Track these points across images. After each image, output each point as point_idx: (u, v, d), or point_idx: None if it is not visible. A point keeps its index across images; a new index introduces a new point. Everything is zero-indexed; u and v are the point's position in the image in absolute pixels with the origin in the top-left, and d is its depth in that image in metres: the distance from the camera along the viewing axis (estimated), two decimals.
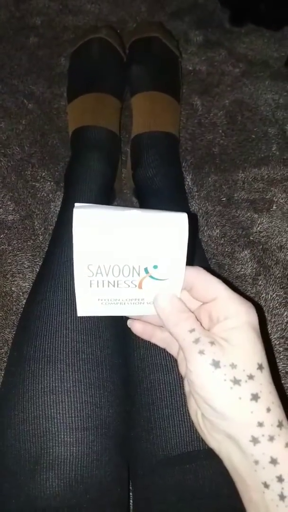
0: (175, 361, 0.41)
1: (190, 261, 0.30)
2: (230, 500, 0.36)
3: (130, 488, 0.42)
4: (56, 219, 0.59)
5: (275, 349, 0.55)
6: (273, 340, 0.55)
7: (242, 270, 0.60)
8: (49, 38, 0.79)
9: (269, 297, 0.58)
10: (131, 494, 0.42)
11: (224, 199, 0.65)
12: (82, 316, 0.44)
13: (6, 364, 0.45)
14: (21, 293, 0.57)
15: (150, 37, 0.67)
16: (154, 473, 0.38)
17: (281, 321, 0.56)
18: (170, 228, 0.28)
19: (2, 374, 0.51)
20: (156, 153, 0.60)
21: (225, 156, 0.68)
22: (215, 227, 0.63)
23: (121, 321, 0.48)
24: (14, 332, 0.53)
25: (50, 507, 0.35)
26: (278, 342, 0.55)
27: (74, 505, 0.35)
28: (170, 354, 0.42)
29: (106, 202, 0.60)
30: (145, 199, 0.59)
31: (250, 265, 0.60)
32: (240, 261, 0.60)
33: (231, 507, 0.36)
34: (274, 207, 0.64)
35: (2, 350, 0.53)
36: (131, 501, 0.42)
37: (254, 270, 0.59)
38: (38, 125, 0.70)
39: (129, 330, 0.47)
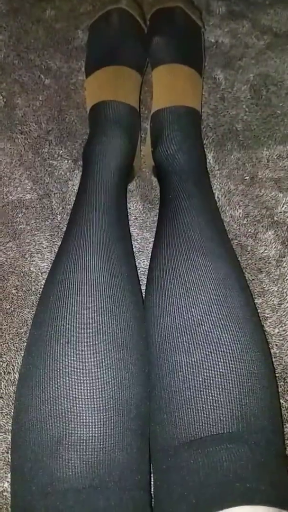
0: (198, 343, 0.41)
1: None
2: (253, 483, 0.36)
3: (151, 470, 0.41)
4: (74, 199, 0.58)
5: None
6: None
7: (266, 251, 0.58)
8: (66, 11, 0.76)
9: None
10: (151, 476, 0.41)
11: (247, 177, 0.63)
12: (103, 297, 0.43)
13: (26, 344, 0.44)
14: (39, 273, 0.56)
15: (172, 7, 0.64)
16: (176, 456, 0.38)
17: None
18: None
19: (22, 354, 0.51)
20: (178, 130, 0.57)
21: (248, 132, 0.66)
22: (237, 207, 0.61)
23: (142, 301, 0.48)
24: (33, 312, 0.53)
25: (72, 488, 0.35)
26: None
27: (97, 486, 0.35)
28: (192, 334, 0.41)
29: (125, 182, 0.58)
30: (165, 177, 0.57)
31: (274, 246, 0.58)
32: (264, 242, 0.58)
33: (255, 490, 0.35)
34: None
35: (22, 330, 0.53)
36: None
37: (278, 251, 0.58)
38: (55, 101, 0.68)
39: (149, 311, 0.46)
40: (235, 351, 0.40)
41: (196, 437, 0.37)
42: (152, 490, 0.40)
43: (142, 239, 0.60)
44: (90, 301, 0.42)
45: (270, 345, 0.52)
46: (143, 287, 0.53)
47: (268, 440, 0.38)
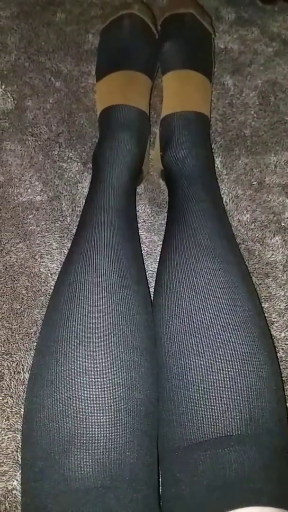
0: (207, 345, 0.41)
1: None
2: (261, 484, 0.36)
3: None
4: (83, 201, 0.58)
5: None
6: None
7: (273, 256, 0.58)
8: (76, 14, 0.77)
9: None
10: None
11: (255, 183, 0.63)
12: (113, 299, 0.43)
13: (36, 344, 0.45)
14: (49, 274, 0.57)
15: (184, 14, 0.64)
16: (185, 457, 0.38)
17: None
18: None
19: (32, 354, 0.51)
20: (187, 134, 0.58)
21: (256, 138, 0.67)
22: (245, 212, 0.62)
23: (150, 304, 0.48)
24: (43, 313, 0.54)
25: (84, 487, 0.35)
26: None
27: (108, 485, 0.35)
28: (201, 337, 0.42)
29: (134, 185, 0.59)
30: (174, 182, 0.57)
31: (281, 251, 0.59)
32: (271, 247, 0.59)
33: (263, 491, 0.36)
34: None
35: (31, 330, 0.54)
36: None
37: (285, 256, 0.58)
38: (65, 104, 0.69)
39: (158, 313, 0.46)
40: (243, 354, 0.40)
41: (205, 439, 0.38)
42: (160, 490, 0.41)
43: (150, 242, 0.61)
44: (100, 302, 0.43)
45: (277, 349, 0.53)
46: (151, 290, 0.54)
47: (275, 442, 0.38)
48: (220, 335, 0.41)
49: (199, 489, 0.37)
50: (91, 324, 0.41)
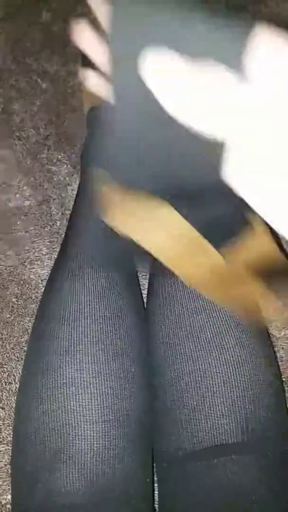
0: (201, 350, 0.39)
1: None
2: (259, 496, 0.35)
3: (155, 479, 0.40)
4: (73, 204, 0.57)
5: None
6: None
7: None
8: (62, 13, 0.75)
9: None
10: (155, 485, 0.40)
11: None
12: (102, 305, 0.42)
13: (25, 354, 0.44)
14: (39, 281, 0.56)
15: None
16: (181, 466, 0.37)
17: None
18: None
19: (23, 364, 0.50)
20: None
21: None
22: None
23: (143, 308, 0.47)
24: (34, 321, 0.52)
25: (72, 504, 0.34)
26: None
27: (98, 501, 0.34)
28: (195, 340, 0.40)
29: None
30: None
31: None
32: None
33: (260, 502, 0.34)
34: None
35: (22, 339, 0.52)
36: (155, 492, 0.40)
37: None
38: (52, 105, 0.68)
39: (150, 317, 0.45)
40: (239, 357, 0.39)
41: (200, 448, 0.36)
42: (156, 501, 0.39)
43: None
44: (88, 309, 0.42)
45: (276, 348, 0.51)
46: (144, 292, 0.52)
47: (275, 449, 0.36)
48: (213, 338, 0.40)
49: (196, 499, 0.35)
50: (78, 332, 0.40)
